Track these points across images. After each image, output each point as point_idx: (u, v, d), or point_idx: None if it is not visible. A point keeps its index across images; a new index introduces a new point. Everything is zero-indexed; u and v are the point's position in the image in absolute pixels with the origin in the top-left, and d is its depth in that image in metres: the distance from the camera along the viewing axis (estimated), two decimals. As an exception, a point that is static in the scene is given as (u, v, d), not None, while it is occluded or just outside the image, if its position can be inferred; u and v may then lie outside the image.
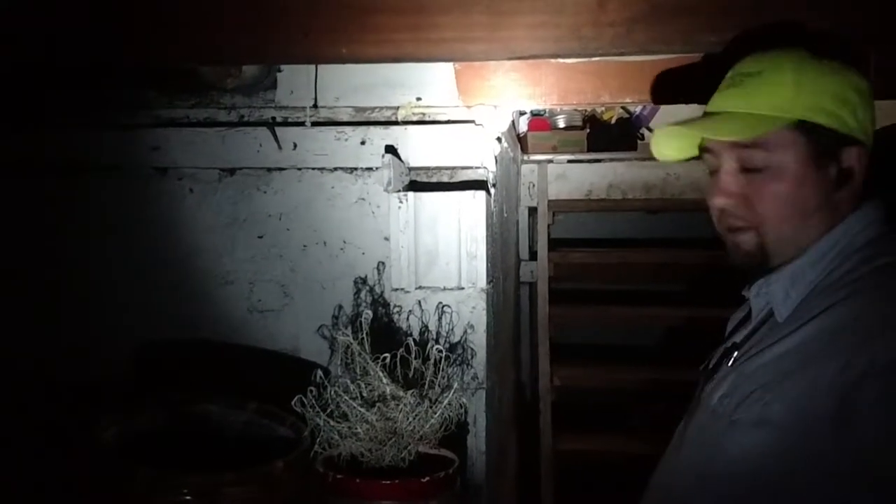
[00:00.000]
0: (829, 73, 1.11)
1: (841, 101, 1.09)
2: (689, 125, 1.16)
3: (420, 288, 1.84)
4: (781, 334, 1.07)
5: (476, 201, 1.83)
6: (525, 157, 3.51)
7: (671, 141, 1.24)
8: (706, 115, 1.19)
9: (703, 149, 1.19)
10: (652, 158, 3.78)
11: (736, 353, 1.16)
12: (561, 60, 1.78)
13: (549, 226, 3.67)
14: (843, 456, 0.95)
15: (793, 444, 1.00)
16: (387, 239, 1.88)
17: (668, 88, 1.76)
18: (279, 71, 1.95)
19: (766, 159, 1.09)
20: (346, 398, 1.44)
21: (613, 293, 3.88)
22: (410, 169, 1.92)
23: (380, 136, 1.91)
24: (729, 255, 1.17)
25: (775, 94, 1.10)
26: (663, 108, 3.29)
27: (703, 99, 1.65)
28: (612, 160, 3.59)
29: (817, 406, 0.98)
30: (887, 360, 0.94)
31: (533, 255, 3.72)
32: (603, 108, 3.44)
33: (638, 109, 3.45)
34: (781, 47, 1.17)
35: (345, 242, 1.93)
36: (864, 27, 1.50)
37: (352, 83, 1.94)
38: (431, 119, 1.93)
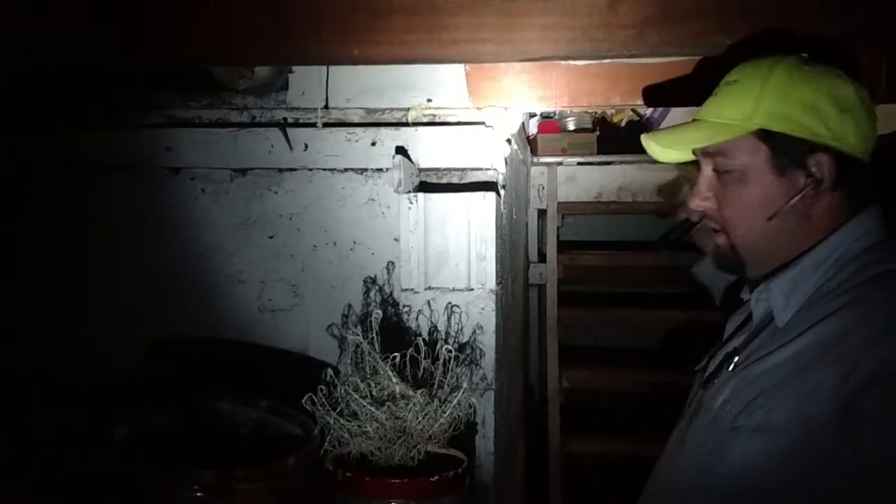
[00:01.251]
0: (803, 81, 1.13)
1: (809, 109, 1.11)
2: (654, 134, 1.26)
3: (429, 288, 1.85)
4: (783, 340, 1.07)
5: (486, 203, 1.83)
6: (535, 159, 3.51)
7: (663, 147, 1.27)
8: (693, 121, 1.24)
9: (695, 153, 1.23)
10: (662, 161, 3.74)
11: (736, 359, 1.16)
12: (572, 63, 1.79)
13: (558, 228, 3.67)
14: (844, 463, 0.96)
15: (795, 450, 1.00)
16: (396, 239, 1.89)
17: (678, 91, 1.76)
18: (291, 72, 1.96)
19: (731, 165, 1.14)
20: (356, 397, 1.45)
21: (623, 296, 3.87)
22: (420, 170, 1.93)
23: (390, 138, 1.92)
24: (714, 258, 1.23)
25: (740, 104, 1.14)
26: (674, 110, 3.28)
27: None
28: (622, 163, 3.57)
29: (820, 412, 0.98)
30: (892, 367, 0.94)
31: (542, 258, 3.72)
32: (613, 111, 3.44)
33: (648, 112, 3.44)
34: (770, 55, 1.19)
35: (355, 243, 1.94)
36: (876, 32, 1.50)
37: (363, 84, 1.95)
38: (442, 120, 1.94)
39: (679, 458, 1.18)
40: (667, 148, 1.26)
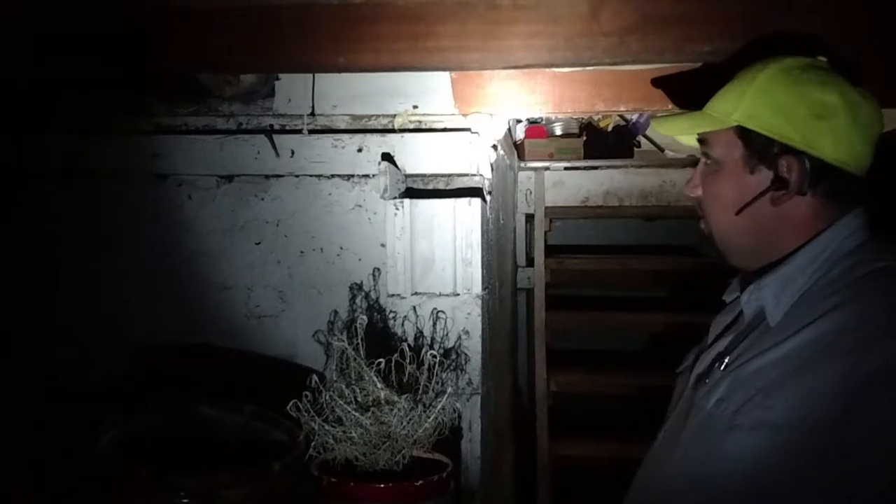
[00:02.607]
0: (783, 84, 1.14)
1: (780, 112, 1.12)
2: (660, 120, 1.32)
3: (416, 294, 1.86)
4: (777, 339, 1.08)
5: (471, 208, 1.84)
6: (522, 165, 3.53)
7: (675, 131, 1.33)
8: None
9: None
10: (648, 166, 3.79)
11: (728, 358, 1.17)
12: (556, 69, 1.80)
13: (545, 232, 3.69)
14: (845, 459, 0.97)
15: (795, 446, 1.01)
16: (383, 245, 1.89)
17: (661, 97, 1.78)
18: (277, 79, 1.97)
19: (711, 154, 1.20)
20: (341, 403, 1.45)
21: (610, 299, 3.89)
22: (407, 176, 1.94)
23: (377, 144, 1.93)
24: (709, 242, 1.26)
25: (727, 99, 1.18)
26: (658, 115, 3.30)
27: (696, 106, 1.68)
28: (608, 167, 3.60)
29: (820, 409, 0.99)
30: (891, 367, 0.96)
31: (530, 262, 3.74)
32: (599, 116, 3.46)
33: (634, 117, 3.46)
34: (772, 57, 1.20)
35: (342, 249, 1.95)
36: (858, 39, 1.52)
37: (349, 91, 1.96)
38: (428, 127, 1.95)
39: (672, 459, 1.18)
40: (668, 131, 1.32)
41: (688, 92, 1.73)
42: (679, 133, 1.29)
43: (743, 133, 1.15)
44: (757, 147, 1.14)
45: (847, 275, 1.08)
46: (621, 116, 3.52)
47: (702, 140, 1.23)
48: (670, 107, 1.78)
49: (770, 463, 1.03)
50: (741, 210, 1.16)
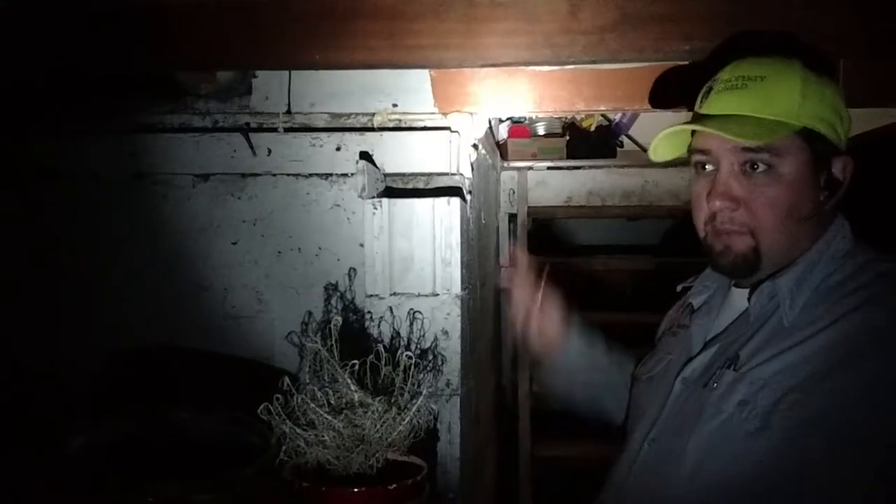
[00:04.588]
0: (825, 84, 1.14)
1: (835, 112, 1.13)
2: (705, 124, 1.13)
3: (394, 294, 1.83)
4: (798, 338, 1.07)
5: (451, 208, 1.82)
6: (505, 164, 3.52)
7: (670, 140, 1.21)
8: (705, 116, 1.17)
9: (697, 149, 1.18)
10: (631, 165, 3.78)
11: (739, 360, 1.13)
12: (536, 68, 1.79)
13: (528, 232, 3.68)
14: (888, 453, 0.99)
15: (836, 445, 1.01)
16: (362, 245, 1.87)
17: (642, 96, 1.77)
18: (254, 76, 1.94)
19: (773, 164, 1.10)
20: (314, 406, 1.43)
21: (594, 299, 3.88)
22: (386, 175, 1.92)
23: (355, 143, 1.91)
24: (715, 259, 1.18)
25: (785, 101, 1.11)
26: (643, 115, 3.30)
27: (677, 105, 1.67)
28: (591, 167, 3.60)
29: (862, 408, 1.00)
30: None
31: (513, 262, 3.72)
32: (582, 116, 3.45)
33: (617, 117, 3.46)
34: (776, 54, 1.19)
35: (320, 249, 1.93)
36: (836, 38, 1.52)
37: (328, 89, 1.93)
38: (407, 125, 1.93)
39: (678, 467, 1.13)
40: (674, 138, 1.20)
41: (669, 91, 1.72)
42: (746, 139, 1.10)
43: (809, 136, 1.11)
44: (820, 150, 1.12)
45: (859, 275, 1.08)
46: (604, 116, 3.52)
47: (754, 148, 1.10)
48: (650, 106, 1.77)
49: (808, 461, 1.02)
50: (805, 217, 1.12)
